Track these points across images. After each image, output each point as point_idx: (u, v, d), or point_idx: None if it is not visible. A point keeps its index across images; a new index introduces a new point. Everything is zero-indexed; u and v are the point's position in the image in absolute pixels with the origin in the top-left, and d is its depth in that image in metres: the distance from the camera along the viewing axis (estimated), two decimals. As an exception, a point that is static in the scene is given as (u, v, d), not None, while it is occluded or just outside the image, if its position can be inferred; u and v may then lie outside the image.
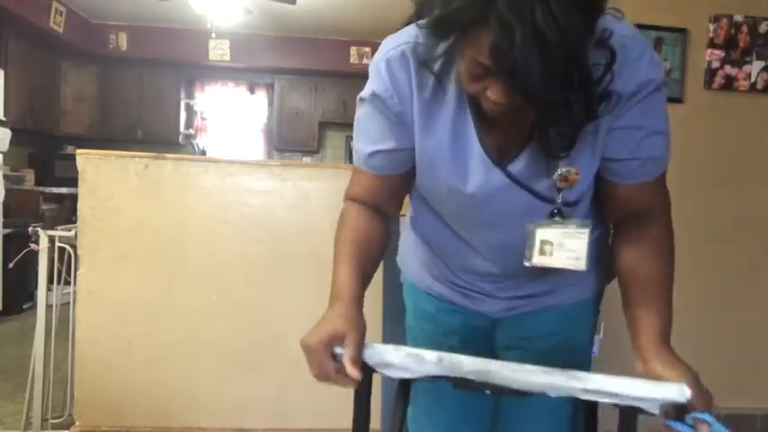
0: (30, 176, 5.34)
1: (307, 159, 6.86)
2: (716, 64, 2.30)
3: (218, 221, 2.15)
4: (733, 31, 2.30)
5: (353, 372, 0.75)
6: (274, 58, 6.49)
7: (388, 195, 0.97)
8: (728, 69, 2.31)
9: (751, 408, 2.36)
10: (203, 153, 6.50)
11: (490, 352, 1.09)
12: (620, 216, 0.93)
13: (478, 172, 0.87)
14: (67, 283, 2.24)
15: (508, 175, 0.86)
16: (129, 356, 2.12)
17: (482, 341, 1.08)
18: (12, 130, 4.18)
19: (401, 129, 0.88)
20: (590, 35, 0.68)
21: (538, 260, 0.88)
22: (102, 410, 2.10)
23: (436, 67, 0.83)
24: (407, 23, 0.86)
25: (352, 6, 5.47)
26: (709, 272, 2.34)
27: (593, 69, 0.71)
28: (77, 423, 2.09)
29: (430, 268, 1.08)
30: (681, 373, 0.76)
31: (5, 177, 4.21)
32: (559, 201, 0.86)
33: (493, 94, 0.72)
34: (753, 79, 2.32)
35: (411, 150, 0.90)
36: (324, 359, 0.77)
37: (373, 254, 0.95)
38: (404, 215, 1.14)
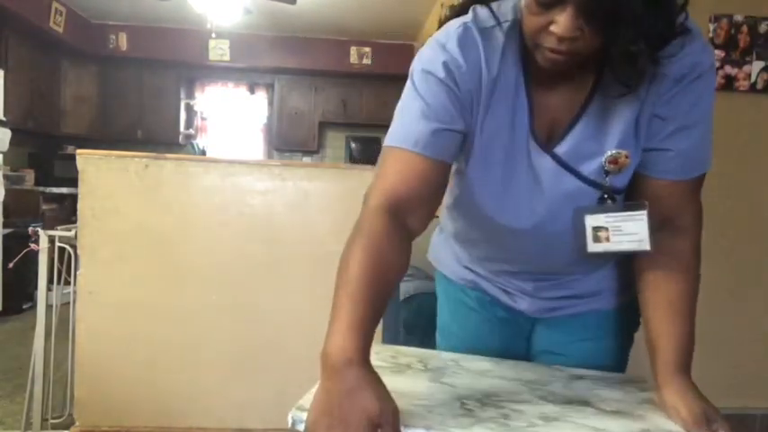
0: (30, 176, 5.34)
1: (307, 159, 6.86)
2: (716, 64, 2.30)
3: (218, 221, 2.15)
4: (733, 31, 2.30)
5: None
6: (274, 58, 6.49)
7: (434, 191, 0.84)
8: (728, 69, 2.31)
9: (751, 408, 2.36)
10: (203, 153, 6.50)
11: (526, 355, 1.06)
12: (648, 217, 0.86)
13: (528, 160, 0.83)
14: (67, 283, 2.24)
15: (554, 158, 0.83)
16: (129, 356, 2.12)
17: (520, 346, 1.05)
18: (12, 130, 4.18)
19: (466, 109, 0.82)
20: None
21: (594, 247, 0.85)
22: (102, 410, 2.10)
23: (503, 27, 0.80)
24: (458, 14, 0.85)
25: (352, 6, 5.47)
26: (709, 271, 2.33)
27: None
28: (77, 423, 2.09)
29: (465, 262, 1.05)
30: (690, 409, 0.73)
31: (5, 177, 4.21)
32: (607, 184, 0.82)
33: (560, 26, 0.68)
34: (753, 79, 2.32)
35: (468, 135, 0.84)
36: None
37: (389, 292, 0.76)
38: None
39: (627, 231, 0.83)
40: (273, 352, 2.15)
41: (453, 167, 0.90)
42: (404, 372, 0.85)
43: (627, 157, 0.80)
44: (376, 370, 0.67)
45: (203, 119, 7.02)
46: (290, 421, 0.67)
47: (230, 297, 2.16)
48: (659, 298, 0.85)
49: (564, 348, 1.02)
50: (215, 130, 7.04)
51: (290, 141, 6.84)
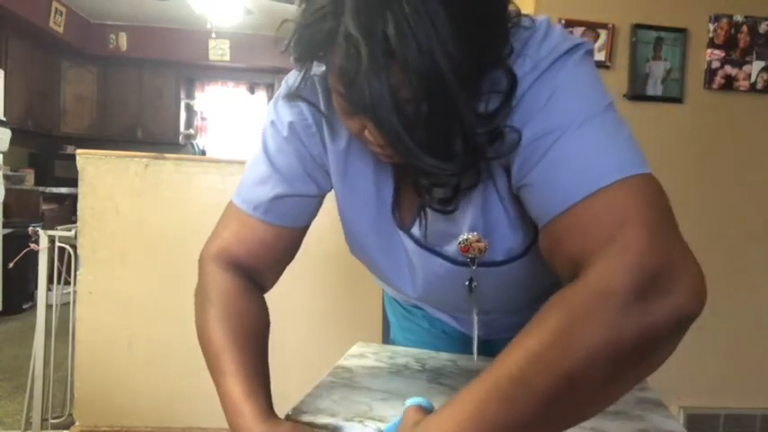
0: (30, 176, 5.35)
1: (307, 159, 6.85)
2: (716, 64, 2.30)
3: (218, 221, 2.15)
4: (733, 31, 2.30)
5: None
6: (274, 58, 6.49)
7: (278, 256, 0.77)
8: (728, 69, 2.30)
9: (751, 408, 2.36)
10: (203, 153, 6.50)
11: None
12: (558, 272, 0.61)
13: (393, 231, 0.75)
14: (67, 283, 2.24)
15: (412, 238, 0.74)
16: (129, 356, 2.12)
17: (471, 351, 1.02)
18: (12, 130, 4.18)
19: (318, 169, 0.74)
20: (475, 54, 0.50)
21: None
22: (102, 410, 2.10)
23: (321, 104, 0.69)
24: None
25: (352, 6, 5.46)
26: (709, 271, 2.33)
27: (485, 99, 0.54)
28: (77, 423, 2.09)
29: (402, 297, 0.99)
30: None
31: (5, 177, 4.21)
32: (474, 268, 0.71)
33: (370, 135, 0.56)
34: (753, 79, 2.31)
35: (323, 197, 0.77)
36: None
37: (264, 344, 0.75)
38: None
39: None
40: (272, 352, 2.14)
41: None
42: (401, 372, 0.85)
43: (479, 240, 0.68)
44: (374, 370, 0.68)
45: (203, 119, 7.02)
46: None
47: (230, 297, 2.16)
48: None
49: None
50: (215, 130, 7.04)
51: (290, 141, 6.84)
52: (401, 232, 0.75)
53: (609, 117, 0.57)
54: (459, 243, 0.69)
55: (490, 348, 0.93)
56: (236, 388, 0.64)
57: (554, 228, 0.57)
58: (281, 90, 0.73)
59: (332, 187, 0.77)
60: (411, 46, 0.46)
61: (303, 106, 0.70)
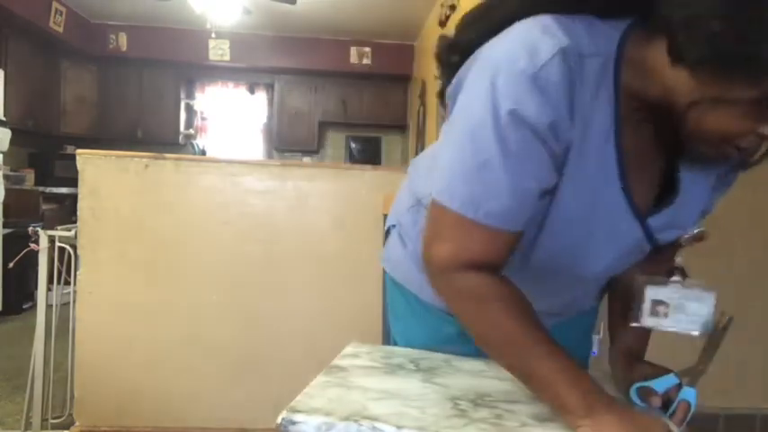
0: (30, 176, 5.35)
1: (307, 159, 6.86)
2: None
3: (218, 221, 2.15)
4: (733, 31, 2.30)
5: None
6: (274, 58, 6.49)
7: (512, 252, 0.74)
8: (728, 69, 2.30)
9: (751, 408, 2.36)
10: (203, 153, 6.50)
11: None
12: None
13: (613, 218, 0.74)
14: (67, 283, 2.24)
15: (644, 227, 0.76)
16: (129, 356, 2.12)
17: None
18: (12, 130, 4.18)
19: (560, 163, 0.69)
20: None
21: (648, 322, 0.77)
22: (102, 410, 2.10)
23: (601, 59, 0.66)
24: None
25: (352, 6, 5.47)
26: (708, 272, 2.33)
27: None
28: (77, 423, 2.09)
29: None
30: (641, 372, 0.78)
31: (5, 177, 4.21)
32: (679, 260, 0.77)
33: None
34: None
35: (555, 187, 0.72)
36: None
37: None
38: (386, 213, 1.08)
39: (690, 312, 0.76)
40: (273, 352, 2.15)
41: None
42: (396, 372, 0.85)
43: (706, 235, 0.79)
44: (368, 370, 0.70)
45: (203, 119, 7.02)
46: (278, 420, 0.67)
47: (230, 297, 2.16)
48: (625, 295, 0.86)
49: None
50: (215, 130, 7.04)
51: (290, 141, 6.84)
52: (632, 218, 0.74)
53: None
54: (693, 233, 0.77)
55: None
56: (561, 374, 0.66)
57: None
58: (522, 65, 0.63)
59: (563, 176, 0.70)
60: None
61: (554, 88, 0.63)
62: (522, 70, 0.63)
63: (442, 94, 0.81)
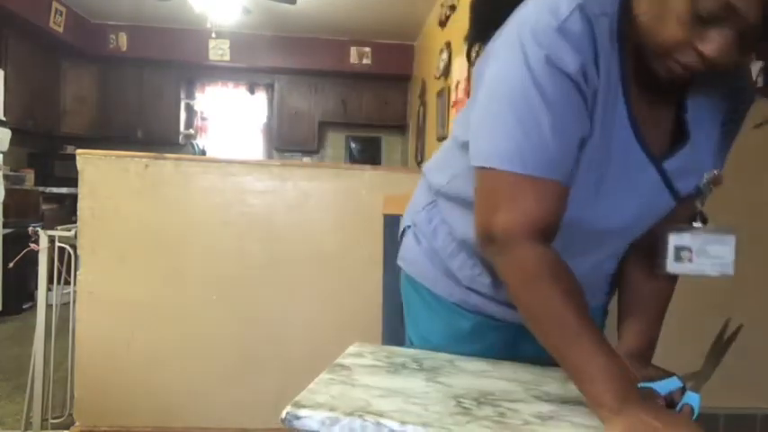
0: (30, 176, 5.35)
1: (307, 159, 6.86)
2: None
3: (218, 221, 2.15)
4: (733, 31, 2.30)
5: None
6: (274, 58, 6.49)
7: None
8: (728, 69, 2.31)
9: (751, 408, 2.36)
10: (203, 153, 6.50)
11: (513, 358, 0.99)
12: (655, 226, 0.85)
13: (630, 167, 0.76)
14: (67, 283, 2.24)
15: (661, 172, 0.77)
16: (129, 356, 2.12)
17: (507, 350, 0.97)
18: (12, 130, 4.18)
19: (589, 110, 0.71)
20: None
21: (673, 267, 0.80)
22: (102, 410, 2.10)
23: (609, 17, 0.70)
24: None
25: (352, 6, 5.47)
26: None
27: None
28: (77, 423, 2.09)
29: (467, 281, 0.93)
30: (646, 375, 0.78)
31: (5, 177, 4.21)
32: (700, 205, 0.80)
33: (710, 48, 0.62)
34: (753, 79, 2.31)
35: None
36: None
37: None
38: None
39: (713, 254, 0.78)
40: (273, 352, 2.15)
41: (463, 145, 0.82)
42: (399, 371, 0.86)
43: (722, 177, 0.79)
44: (372, 369, 0.71)
45: (203, 119, 7.02)
46: (283, 415, 0.67)
47: (230, 297, 2.16)
48: (645, 309, 0.88)
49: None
50: (215, 130, 7.04)
51: (290, 141, 6.85)
52: (650, 164, 0.76)
53: None
54: (709, 176, 0.78)
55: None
56: (601, 368, 0.66)
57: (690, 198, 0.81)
58: (547, 19, 0.67)
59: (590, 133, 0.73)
60: None
61: (578, 35, 0.67)
62: (547, 24, 0.67)
63: (468, 54, 0.87)
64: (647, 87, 0.74)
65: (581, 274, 0.76)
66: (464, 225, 0.87)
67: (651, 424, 0.61)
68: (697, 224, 0.79)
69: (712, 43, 0.62)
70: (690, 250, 0.78)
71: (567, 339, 0.68)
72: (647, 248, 0.85)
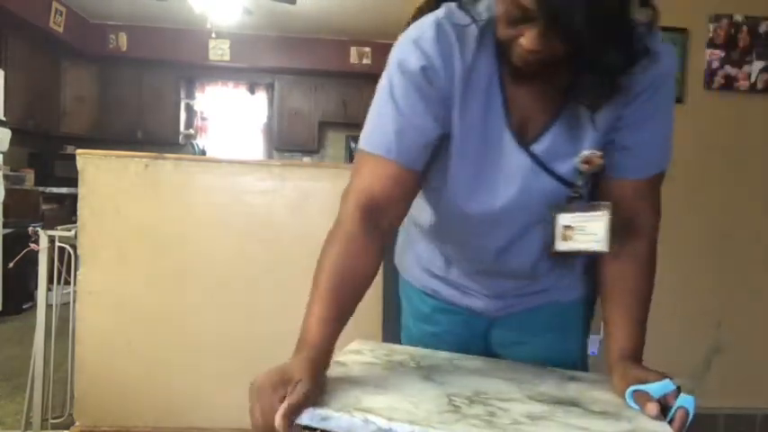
0: (30, 176, 5.35)
1: (307, 159, 6.86)
2: (716, 64, 2.30)
3: (218, 221, 2.15)
4: (733, 31, 2.30)
5: (279, 423, 0.65)
6: (274, 58, 6.49)
7: (406, 195, 0.88)
8: (728, 69, 2.31)
9: (751, 408, 2.36)
10: (203, 153, 6.50)
11: (486, 354, 1.05)
12: None
13: (503, 153, 0.85)
14: (67, 283, 2.24)
15: (531, 156, 0.84)
16: (129, 356, 2.12)
17: (478, 344, 1.06)
18: (12, 130, 4.18)
19: (441, 108, 0.83)
20: None
21: (562, 246, 0.86)
22: (102, 410, 2.10)
23: (478, 24, 0.81)
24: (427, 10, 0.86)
25: (352, 6, 5.47)
26: (710, 272, 2.34)
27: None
28: (77, 423, 2.09)
29: (427, 265, 1.05)
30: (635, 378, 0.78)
31: (5, 177, 4.21)
32: (580, 184, 0.85)
33: (527, 41, 0.72)
34: (753, 79, 2.32)
35: (440, 138, 0.85)
36: (269, 400, 0.67)
37: (359, 290, 0.84)
38: None
39: (589, 231, 0.85)
40: (273, 352, 2.14)
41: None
42: (396, 369, 0.86)
43: (600, 157, 0.83)
44: (368, 366, 0.78)
45: (203, 119, 7.02)
46: None
47: (230, 297, 2.15)
48: (617, 297, 0.90)
49: (520, 344, 1.03)
50: (215, 130, 7.04)
51: (290, 141, 6.85)
52: (519, 149, 0.84)
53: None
54: (582, 157, 0.83)
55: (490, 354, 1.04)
56: (320, 314, 0.79)
57: (623, 184, 0.87)
58: (410, 34, 0.84)
59: (449, 127, 0.84)
60: None
61: (428, 46, 0.81)
62: (408, 37, 0.84)
63: None
64: (532, 79, 0.81)
65: (494, 252, 0.92)
66: (417, 209, 0.98)
67: (276, 370, 0.72)
68: (575, 203, 0.85)
69: (526, 38, 0.72)
70: (572, 228, 0.85)
71: (314, 293, 0.82)
72: (616, 248, 0.88)
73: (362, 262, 0.83)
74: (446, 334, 1.05)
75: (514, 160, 0.85)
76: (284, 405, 0.66)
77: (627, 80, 0.76)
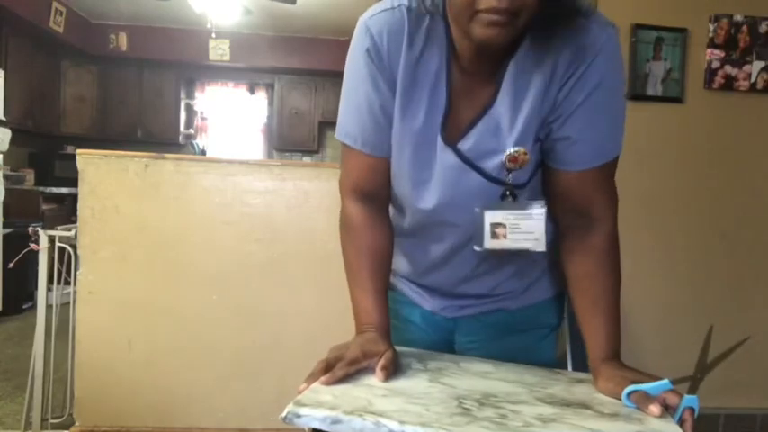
0: (30, 176, 5.35)
1: (307, 159, 6.86)
2: (716, 64, 2.30)
3: (218, 221, 2.15)
4: (733, 31, 2.30)
5: (380, 375, 0.78)
6: (274, 58, 6.49)
7: (387, 182, 0.91)
8: (728, 69, 2.31)
9: (751, 408, 2.36)
10: (203, 153, 6.50)
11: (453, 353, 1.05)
12: (561, 212, 0.89)
13: (436, 151, 0.85)
14: (67, 283, 2.24)
15: (457, 153, 0.84)
16: (129, 356, 2.12)
17: (445, 340, 1.04)
18: (12, 130, 4.18)
19: (392, 94, 0.85)
20: None
21: (490, 244, 0.85)
22: (102, 410, 2.10)
23: (431, 14, 0.81)
24: None
25: (352, 6, 5.46)
26: (709, 272, 2.34)
27: None
28: (77, 423, 2.09)
29: (395, 262, 1.03)
30: (623, 378, 0.78)
31: (5, 177, 4.21)
32: (509, 181, 0.83)
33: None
34: (753, 79, 2.32)
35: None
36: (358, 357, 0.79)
37: (389, 262, 0.93)
38: None
39: (524, 230, 0.84)
40: (274, 352, 2.15)
41: None
42: (403, 371, 0.85)
43: (525, 154, 0.82)
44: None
45: (203, 119, 7.02)
46: (284, 414, 0.67)
47: (230, 297, 2.16)
48: (583, 297, 0.88)
49: (483, 346, 1.01)
50: (215, 130, 7.04)
51: (290, 141, 6.85)
52: (446, 147, 0.84)
53: (623, 103, 0.84)
54: (508, 154, 0.82)
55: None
56: (369, 296, 0.90)
57: (569, 176, 0.84)
58: (360, 24, 0.85)
59: (394, 108, 0.86)
60: None
61: (378, 33, 0.83)
62: (362, 22, 0.85)
63: None
64: (473, 73, 0.83)
65: (441, 253, 0.93)
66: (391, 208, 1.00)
67: (356, 342, 0.83)
68: (507, 201, 0.84)
69: None
70: (504, 226, 0.84)
71: (350, 281, 0.92)
72: (575, 247, 0.89)
73: (380, 243, 0.91)
74: (413, 332, 1.04)
75: (445, 156, 0.85)
76: (383, 360, 0.79)
77: (558, 41, 0.77)
